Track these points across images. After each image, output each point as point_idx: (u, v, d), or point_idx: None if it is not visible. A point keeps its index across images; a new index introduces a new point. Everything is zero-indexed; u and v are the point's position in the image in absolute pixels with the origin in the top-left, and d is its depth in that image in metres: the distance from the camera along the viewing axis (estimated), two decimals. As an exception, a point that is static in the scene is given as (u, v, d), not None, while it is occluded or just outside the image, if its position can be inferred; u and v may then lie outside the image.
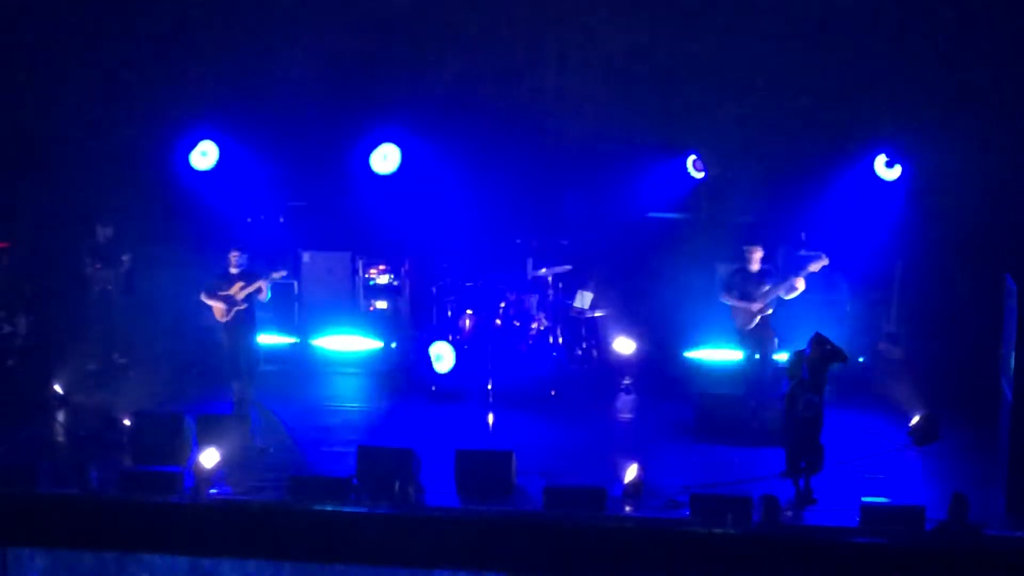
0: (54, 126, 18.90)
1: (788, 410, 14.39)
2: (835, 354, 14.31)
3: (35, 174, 19.06)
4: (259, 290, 16.64)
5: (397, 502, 13.27)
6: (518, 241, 19.05)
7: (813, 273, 16.44)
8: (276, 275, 17.02)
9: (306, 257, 20.04)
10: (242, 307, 16.58)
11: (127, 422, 15.66)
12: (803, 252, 17.39)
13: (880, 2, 17.61)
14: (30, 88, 19.00)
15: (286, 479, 13.93)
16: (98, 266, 18.81)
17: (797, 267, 16.59)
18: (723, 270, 17.59)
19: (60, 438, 16.31)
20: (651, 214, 19.38)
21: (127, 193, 18.97)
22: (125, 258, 18.99)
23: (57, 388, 17.38)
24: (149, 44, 18.83)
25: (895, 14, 17.46)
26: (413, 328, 19.47)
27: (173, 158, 19.43)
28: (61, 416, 16.91)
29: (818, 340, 14.36)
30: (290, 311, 19.79)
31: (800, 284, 16.38)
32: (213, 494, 14.01)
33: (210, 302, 16.72)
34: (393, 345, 19.48)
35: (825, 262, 16.40)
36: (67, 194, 19.04)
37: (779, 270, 17.02)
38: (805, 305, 17.13)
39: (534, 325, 18.32)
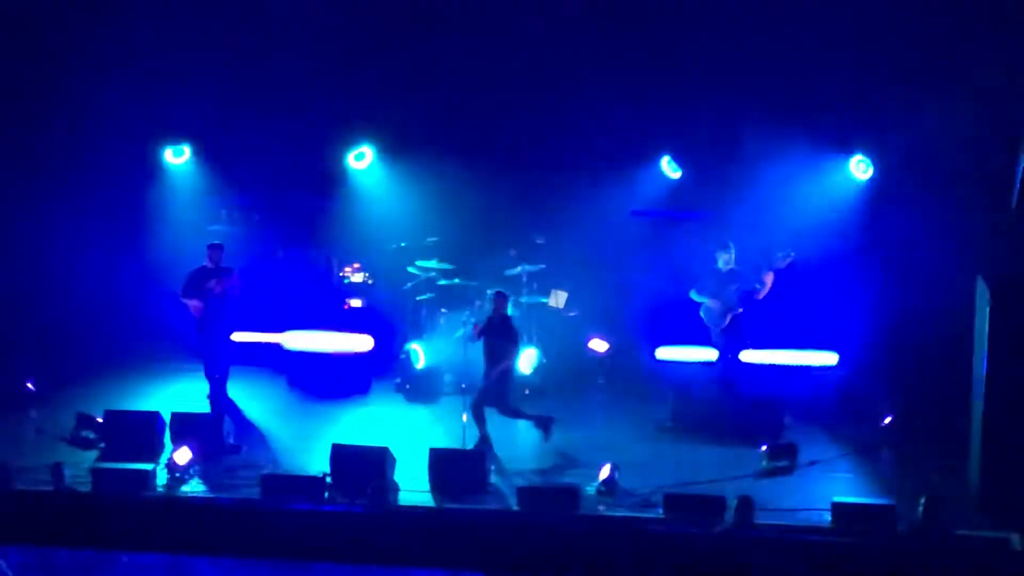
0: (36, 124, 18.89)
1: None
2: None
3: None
4: (234, 286, 16.46)
5: (371, 501, 13.28)
6: (509, 251, 18.99)
7: (781, 270, 16.58)
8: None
9: (280, 255, 20.01)
10: (218, 294, 16.46)
11: (100, 419, 15.63)
12: (780, 255, 17.45)
13: (850, 10, 17.69)
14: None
15: (259, 477, 13.93)
16: None
17: (768, 265, 16.72)
18: (696, 270, 17.64)
19: (34, 435, 16.25)
20: (627, 214, 19.41)
21: (105, 188, 18.99)
22: None
23: (30, 385, 17.35)
24: (126, 46, 18.75)
25: (865, 21, 17.55)
26: (388, 326, 19.42)
27: (149, 155, 19.42)
28: (34, 413, 16.86)
29: (497, 297, 15.67)
30: (265, 309, 19.74)
31: (768, 280, 16.55)
32: (186, 492, 13.99)
33: (187, 302, 16.65)
34: (370, 343, 19.44)
35: (791, 258, 16.59)
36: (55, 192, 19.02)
37: (751, 269, 17.09)
38: (775, 304, 17.23)
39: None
